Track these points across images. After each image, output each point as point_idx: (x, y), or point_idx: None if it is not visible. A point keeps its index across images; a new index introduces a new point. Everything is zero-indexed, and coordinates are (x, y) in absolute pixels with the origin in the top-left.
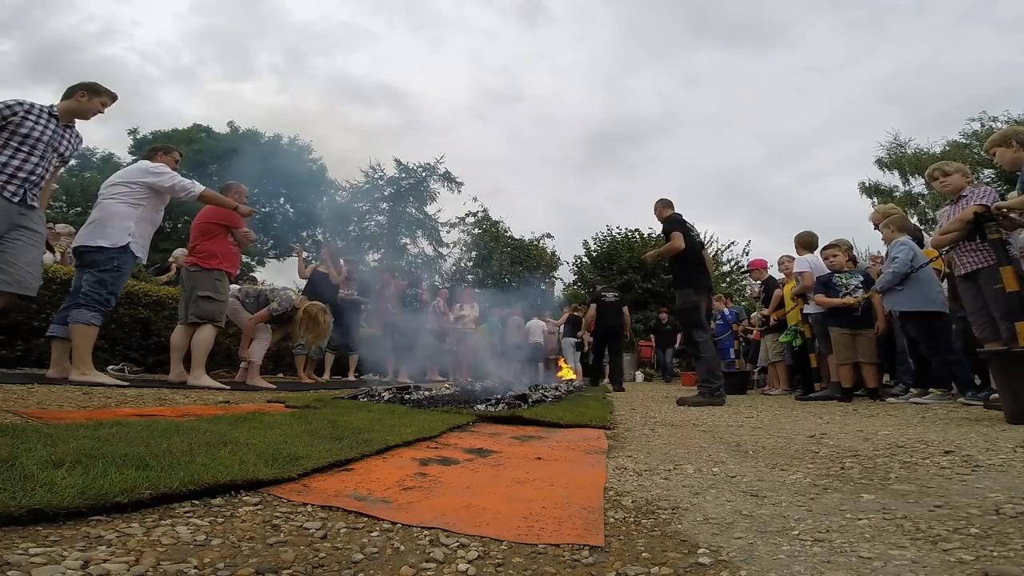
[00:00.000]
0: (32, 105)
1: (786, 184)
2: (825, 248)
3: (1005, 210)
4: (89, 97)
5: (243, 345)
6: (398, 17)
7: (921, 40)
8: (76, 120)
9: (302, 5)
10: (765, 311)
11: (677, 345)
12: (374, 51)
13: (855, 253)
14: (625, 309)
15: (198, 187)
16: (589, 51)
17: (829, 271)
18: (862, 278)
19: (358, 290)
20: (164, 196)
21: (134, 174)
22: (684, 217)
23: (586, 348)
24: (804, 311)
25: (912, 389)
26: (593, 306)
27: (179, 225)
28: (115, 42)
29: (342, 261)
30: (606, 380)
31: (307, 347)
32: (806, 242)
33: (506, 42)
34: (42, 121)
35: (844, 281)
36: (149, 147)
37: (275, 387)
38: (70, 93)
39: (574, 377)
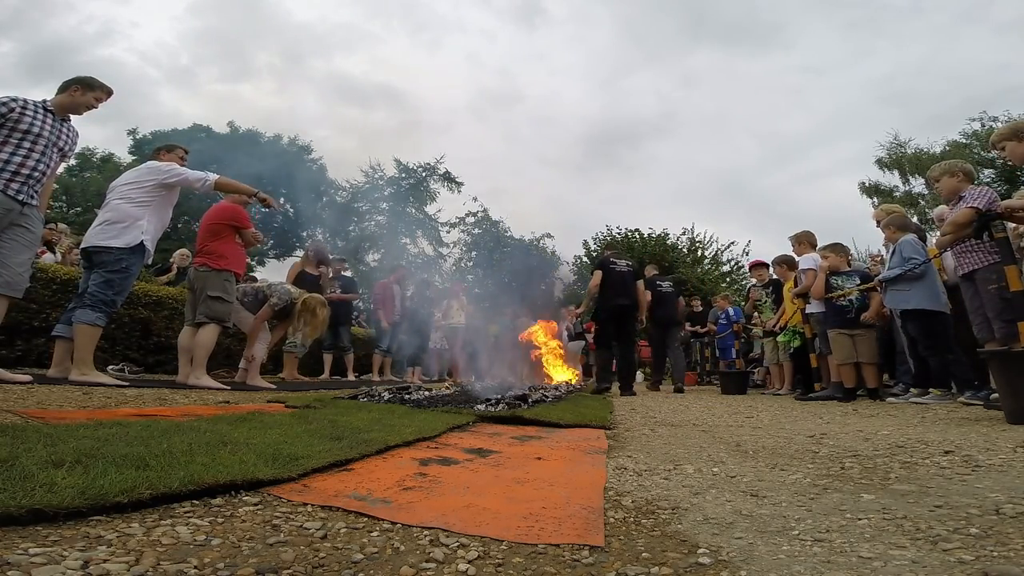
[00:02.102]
0: (26, 101)
1: (784, 184)
2: (821, 249)
3: (1010, 210)
4: (83, 92)
5: (249, 346)
6: (396, 19)
7: (918, 41)
8: (72, 115)
9: (300, 6)
10: (768, 321)
11: (676, 344)
12: (373, 52)
13: (853, 255)
14: (640, 284)
15: (212, 176)
16: (587, 52)
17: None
18: (859, 280)
19: (342, 287)
20: (174, 195)
21: (144, 174)
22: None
23: (577, 332)
24: (805, 311)
25: (912, 389)
26: (598, 273)
27: (179, 225)
28: (114, 43)
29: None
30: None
31: (305, 340)
32: (814, 241)
33: (504, 43)
34: (39, 116)
35: (840, 283)
36: (148, 147)
37: (275, 387)
38: (64, 87)
39: (575, 378)
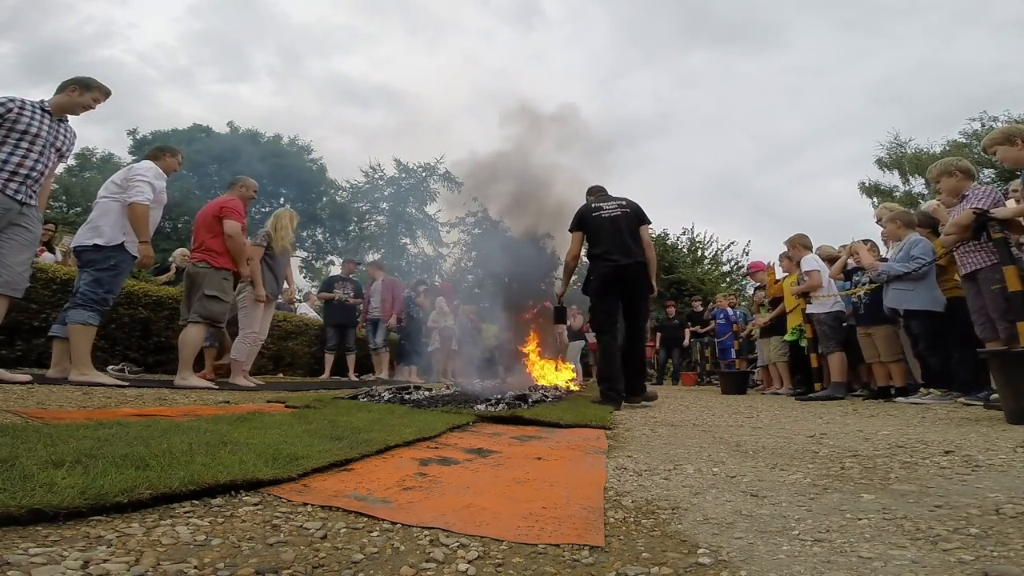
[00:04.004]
0: (24, 101)
1: (782, 185)
2: (857, 243)
3: (1001, 217)
4: (80, 92)
5: (243, 267)
6: (395, 19)
7: (915, 41)
8: (69, 116)
9: (298, 8)
10: (759, 319)
11: (685, 343)
12: (371, 54)
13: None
14: (645, 232)
15: (137, 198)
16: (585, 52)
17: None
18: (868, 277)
19: (355, 291)
20: (160, 196)
21: (128, 172)
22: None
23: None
24: (807, 311)
25: (934, 390)
26: (575, 237)
27: (179, 225)
28: (112, 44)
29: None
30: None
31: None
32: (808, 243)
33: (502, 44)
34: (37, 116)
35: (858, 279)
36: (149, 147)
37: (255, 386)
38: (62, 88)
39: (572, 377)
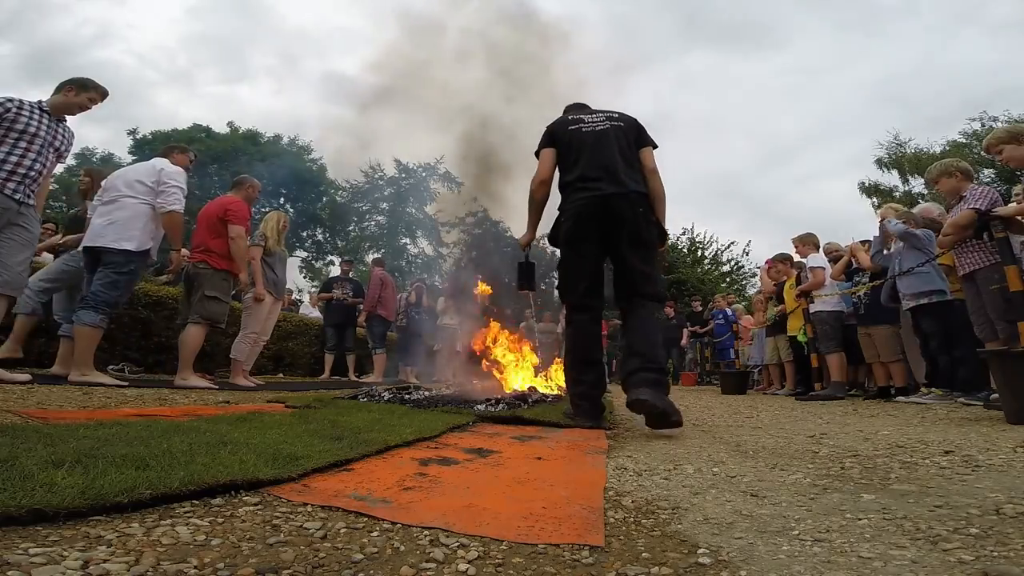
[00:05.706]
0: (22, 101)
1: (780, 185)
2: (852, 244)
3: (1003, 216)
4: (77, 92)
5: (244, 272)
6: (392, 20)
7: (914, 41)
8: (67, 116)
9: (297, 9)
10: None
11: (684, 342)
12: (370, 54)
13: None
14: (648, 155)
15: (176, 206)
16: (581, 53)
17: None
18: (869, 275)
19: (353, 291)
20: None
21: (157, 175)
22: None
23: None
24: (811, 310)
25: (922, 388)
26: (546, 154)
27: None
28: (111, 45)
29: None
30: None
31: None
32: (816, 242)
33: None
34: (36, 116)
35: (858, 279)
36: (149, 147)
37: (255, 386)
38: (59, 88)
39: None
